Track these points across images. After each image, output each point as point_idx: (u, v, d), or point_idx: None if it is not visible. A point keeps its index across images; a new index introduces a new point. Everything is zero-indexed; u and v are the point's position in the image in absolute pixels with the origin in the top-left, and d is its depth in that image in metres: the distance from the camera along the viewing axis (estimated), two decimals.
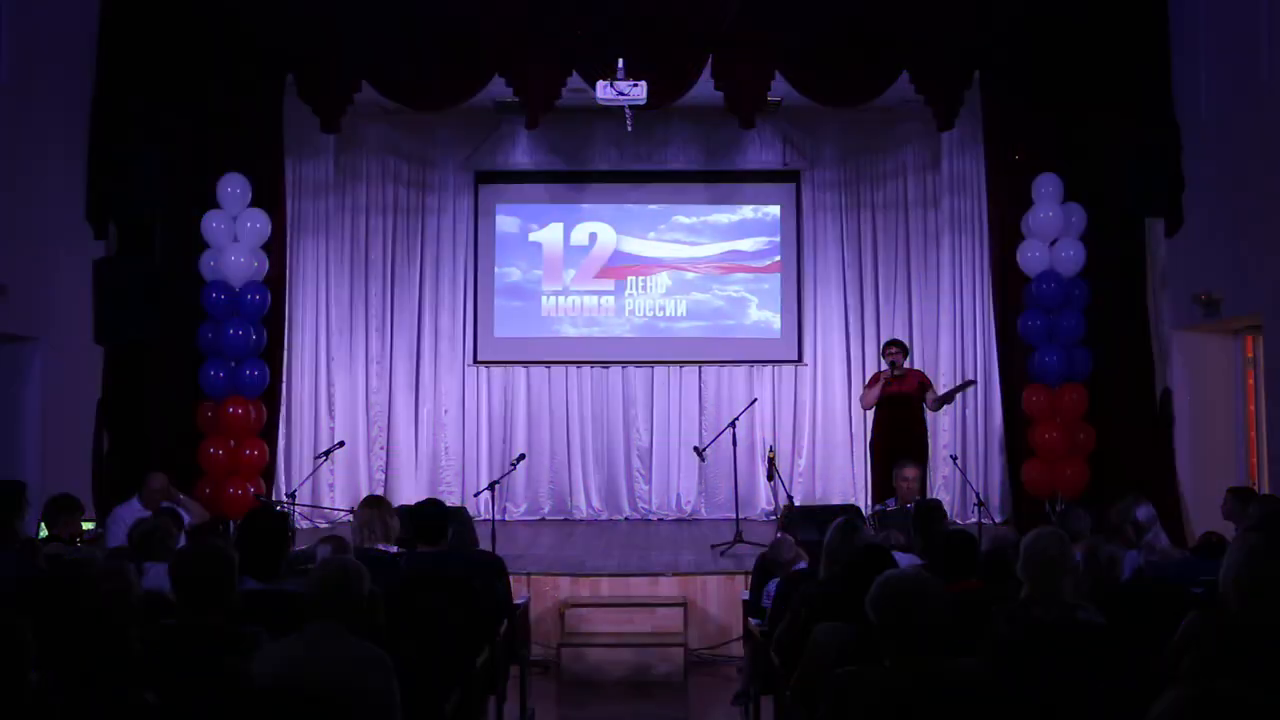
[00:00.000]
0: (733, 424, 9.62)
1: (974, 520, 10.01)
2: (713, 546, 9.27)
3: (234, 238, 9.10)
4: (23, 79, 7.98)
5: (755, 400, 10.87)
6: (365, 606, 3.70)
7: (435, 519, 5.79)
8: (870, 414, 9.69)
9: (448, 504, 9.28)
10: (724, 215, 11.95)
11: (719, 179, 11.93)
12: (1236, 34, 8.17)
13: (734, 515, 9.52)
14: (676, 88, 9.14)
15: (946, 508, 10.64)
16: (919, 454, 8.95)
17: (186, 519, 8.20)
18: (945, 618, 3.34)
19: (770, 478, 9.18)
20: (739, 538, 9.03)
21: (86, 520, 7.02)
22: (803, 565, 5.89)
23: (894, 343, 9.60)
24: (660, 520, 11.50)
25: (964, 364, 11.38)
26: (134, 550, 5.08)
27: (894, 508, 7.89)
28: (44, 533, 6.38)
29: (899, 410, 9.34)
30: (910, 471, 8.07)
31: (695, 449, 10.28)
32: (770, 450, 9.44)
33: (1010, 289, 9.42)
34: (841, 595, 4.39)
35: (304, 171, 11.19)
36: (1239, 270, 8.14)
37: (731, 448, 9.59)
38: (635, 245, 11.88)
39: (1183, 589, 4.77)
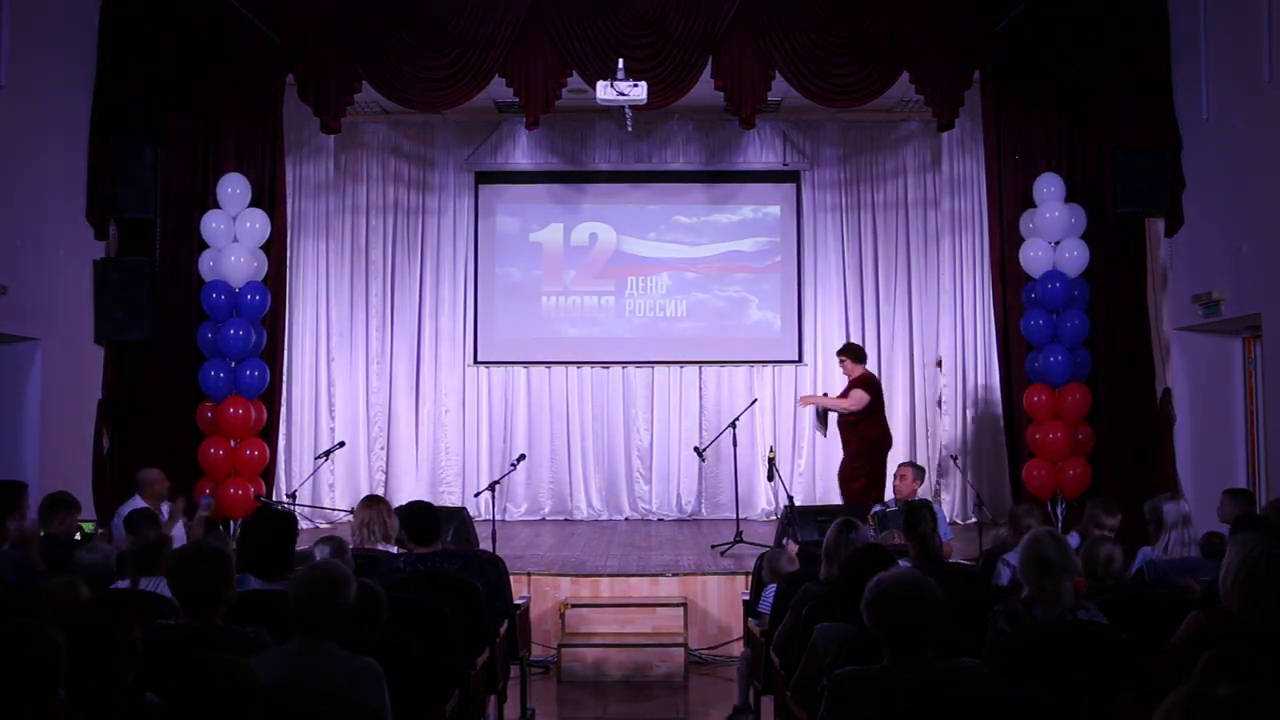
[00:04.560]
0: (733, 424, 9.61)
1: (974, 520, 10.03)
2: (713, 547, 9.27)
3: (234, 238, 9.10)
4: (23, 79, 7.97)
5: (755, 400, 10.87)
6: (353, 614, 3.57)
7: (425, 520, 5.78)
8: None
9: (447, 504, 9.38)
10: (724, 215, 11.94)
11: (719, 179, 11.93)
12: (1236, 34, 8.17)
13: (734, 515, 9.52)
14: (676, 88, 9.14)
15: (947, 508, 10.76)
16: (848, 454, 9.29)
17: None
18: (940, 617, 3.34)
19: (770, 478, 9.18)
20: (739, 538, 9.03)
21: (86, 520, 7.02)
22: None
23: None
24: (660, 520, 11.50)
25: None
26: (132, 565, 5.05)
27: (894, 508, 7.89)
28: (40, 532, 6.38)
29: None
30: (904, 470, 8.05)
31: (695, 449, 10.27)
32: (770, 450, 9.43)
33: (1011, 289, 9.42)
34: (841, 595, 4.39)
35: (304, 171, 11.20)
36: (1239, 270, 8.14)
37: (732, 448, 9.59)
38: (635, 245, 11.87)
39: (1183, 589, 4.77)
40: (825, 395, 9.86)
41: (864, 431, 9.25)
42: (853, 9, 9.11)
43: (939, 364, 9.28)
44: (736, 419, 9.74)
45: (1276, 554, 3.66)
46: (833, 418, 9.46)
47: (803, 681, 4.15)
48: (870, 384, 9.40)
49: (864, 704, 3.24)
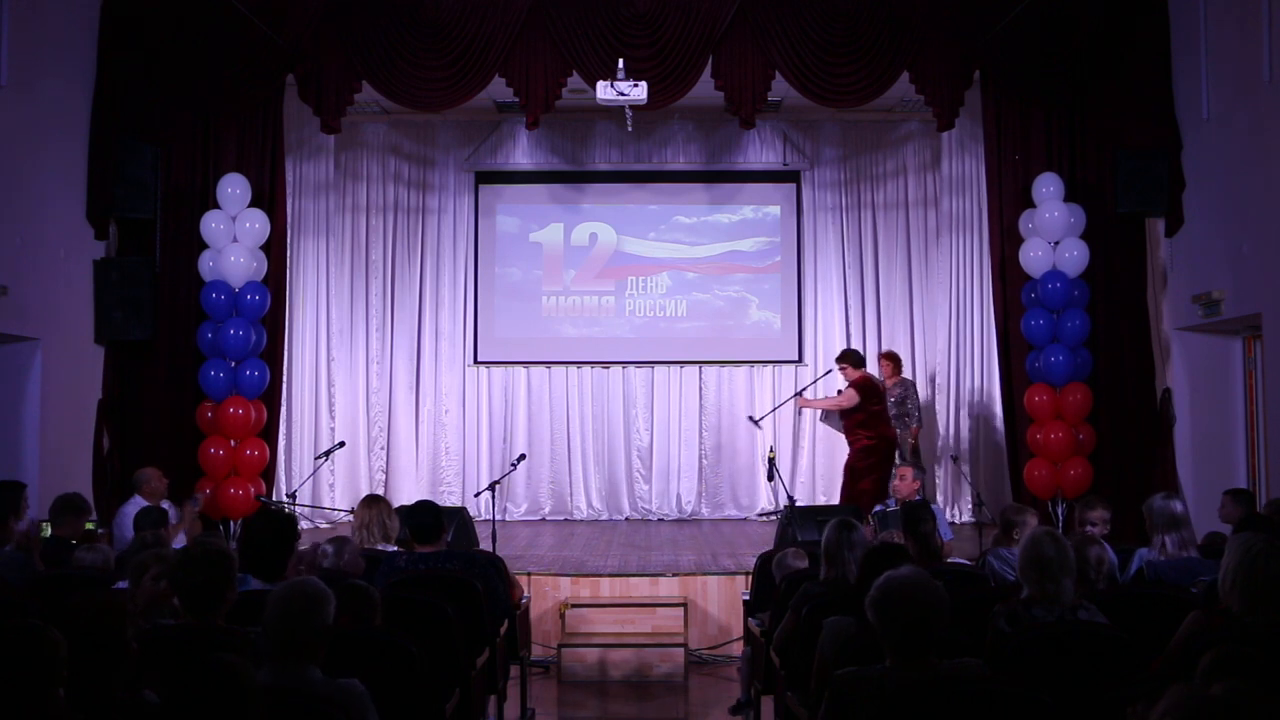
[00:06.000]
0: (799, 393, 9.97)
1: (974, 520, 10.03)
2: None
3: (234, 238, 9.09)
4: (23, 79, 7.97)
5: (830, 370, 10.39)
6: (332, 632, 3.39)
7: (430, 519, 5.79)
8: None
9: (448, 504, 9.38)
10: (724, 215, 11.95)
11: (719, 179, 11.94)
12: (1236, 34, 8.16)
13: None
14: (677, 87, 9.14)
15: (947, 508, 10.75)
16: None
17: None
18: (945, 619, 3.34)
19: (770, 478, 9.18)
20: (791, 506, 8.63)
21: (89, 521, 7.02)
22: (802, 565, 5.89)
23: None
24: (660, 520, 11.50)
25: (964, 364, 11.38)
26: (133, 566, 5.04)
27: (894, 508, 7.89)
28: (47, 532, 6.38)
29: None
30: (904, 471, 8.06)
31: (750, 418, 10.44)
32: (770, 450, 9.45)
33: (1011, 289, 9.42)
34: (848, 594, 4.40)
35: (304, 171, 11.20)
36: (1239, 270, 8.13)
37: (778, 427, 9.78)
38: (636, 245, 11.88)
39: (1183, 589, 4.77)
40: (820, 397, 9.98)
41: (870, 430, 9.43)
42: (853, 9, 9.10)
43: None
44: (802, 390, 10.03)
45: (1275, 551, 3.66)
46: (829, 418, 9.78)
47: (815, 677, 4.14)
48: (865, 386, 9.55)
49: (864, 705, 3.24)
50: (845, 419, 9.63)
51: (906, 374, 10.67)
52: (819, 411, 10.13)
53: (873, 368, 10.44)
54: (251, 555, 4.60)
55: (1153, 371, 9.23)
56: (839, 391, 9.80)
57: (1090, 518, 6.03)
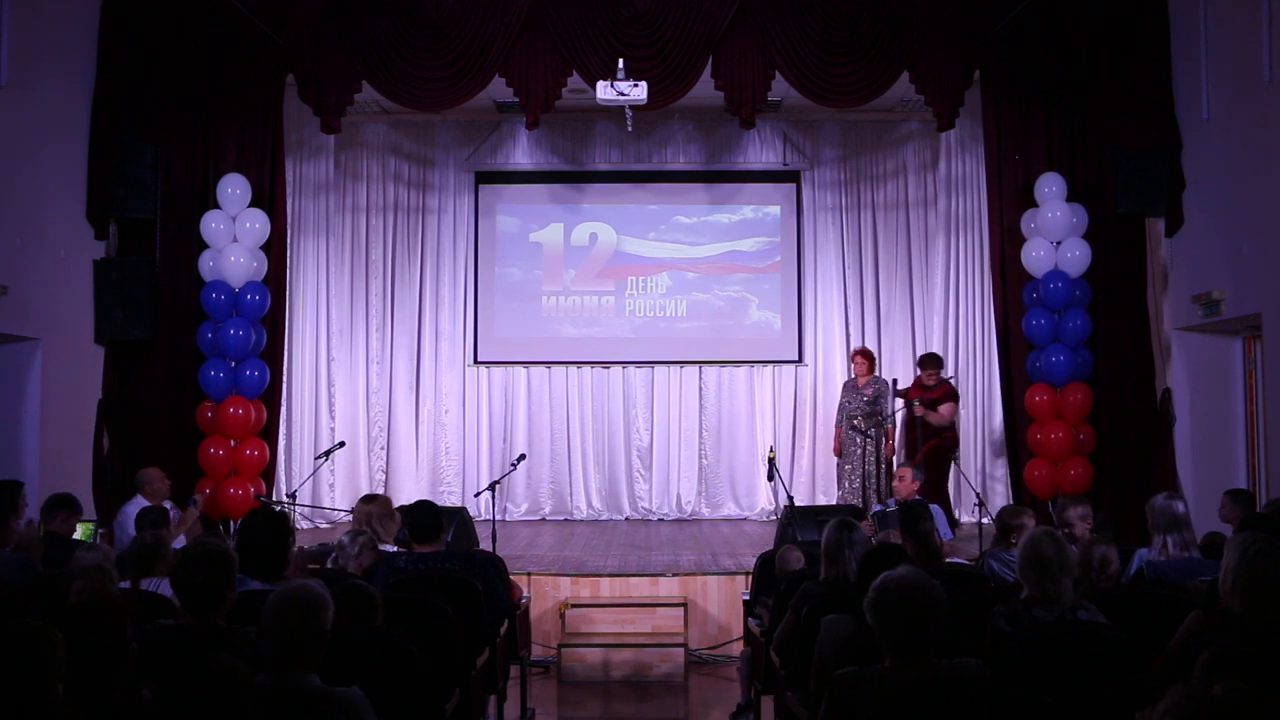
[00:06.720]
0: (911, 405, 9.76)
1: (974, 520, 10.03)
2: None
3: (234, 238, 9.10)
4: (23, 79, 7.97)
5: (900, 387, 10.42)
6: (330, 637, 3.34)
7: (430, 519, 5.80)
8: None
9: (448, 504, 9.39)
10: (724, 215, 11.95)
11: (719, 179, 11.94)
12: (1236, 34, 8.16)
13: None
14: (677, 87, 9.14)
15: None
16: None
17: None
18: (942, 618, 3.34)
19: (770, 478, 9.17)
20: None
21: (86, 520, 7.02)
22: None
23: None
24: (660, 520, 11.51)
25: (963, 363, 11.38)
26: (132, 566, 5.03)
27: (894, 508, 7.89)
28: (40, 531, 6.37)
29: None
30: (903, 472, 8.07)
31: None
32: (770, 450, 9.44)
33: (1011, 289, 9.42)
34: (846, 594, 4.40)
35: (304, 171, 11.21)
36: (1239, 270, 8.13)
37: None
38: (635, 245, 11.88)
39: (1183, 589, 4.77)
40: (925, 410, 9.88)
41: (950, 431, 9.62)
42: (853, 9, 9.10)
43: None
44: (915, 402, 9.76)
45: (1275, 551, 3.66)
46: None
47: (813, 676, 4.14)
48: (955, 392, 9.78)
49: (864, 704, 3.24)
50: (924, 423, 9.64)
51: (883, 374, 10.66)
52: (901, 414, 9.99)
53: (849, 365, 10.53)
54: (250, 555, 4.59)
55: (1153, 371, 9.22)
56: (932, 404, 9.71)
57: (1068, 517, 6.07)
